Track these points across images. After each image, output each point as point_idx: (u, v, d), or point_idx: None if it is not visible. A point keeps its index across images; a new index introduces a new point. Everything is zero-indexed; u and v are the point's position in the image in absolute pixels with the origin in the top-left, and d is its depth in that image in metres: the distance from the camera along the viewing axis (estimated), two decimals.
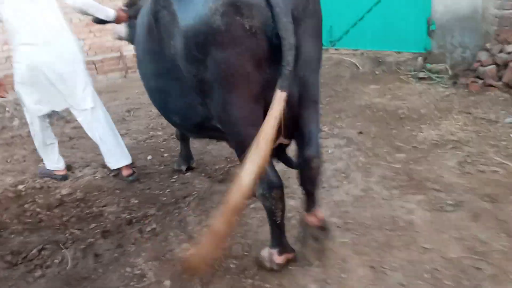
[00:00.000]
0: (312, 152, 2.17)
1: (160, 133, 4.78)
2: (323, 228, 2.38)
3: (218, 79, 1.97)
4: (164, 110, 2.70)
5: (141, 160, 4.05)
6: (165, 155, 4.17)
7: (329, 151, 3.81)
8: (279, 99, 1.86)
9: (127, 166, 3.65)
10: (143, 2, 3.21)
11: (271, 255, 2.34)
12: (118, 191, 3.45)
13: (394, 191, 3.08)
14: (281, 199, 2.18)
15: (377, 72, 6.19)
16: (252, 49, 1.90)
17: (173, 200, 3.22)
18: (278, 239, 2.33)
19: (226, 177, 3.50)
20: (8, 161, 4.33)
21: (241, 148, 2.02)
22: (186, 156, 3.74)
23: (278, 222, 2.24)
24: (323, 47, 2.80)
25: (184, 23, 1.98)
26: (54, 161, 3.76)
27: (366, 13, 6.87)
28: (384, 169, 3.40)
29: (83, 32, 7.57)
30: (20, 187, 3.63)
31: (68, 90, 3.44)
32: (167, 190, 3.39)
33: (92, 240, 2.81)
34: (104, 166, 3.87)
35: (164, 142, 4.50)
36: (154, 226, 2.91)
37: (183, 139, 3.70)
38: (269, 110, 1.88)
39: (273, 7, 1.82)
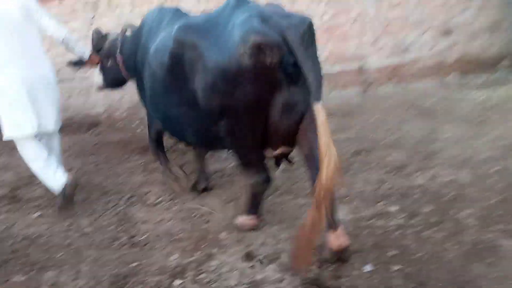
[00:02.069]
0: None
1: (394, 207, 3.10)
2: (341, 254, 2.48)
3: (241, 105, 2.42)
4: (181, 133, 3.18)
5: (355, 269, 2.47)
6: (397, 266, 2.46)
7: None
8: (318, 109, 2.25)
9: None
10: (110, 44, 3.81)
11: (246, 220, 3.01)
12: None
13: None
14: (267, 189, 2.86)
15: None
16: (271, 79, 2.35)
17: None
18: (254, 208, 2.97)
19: None
20: (194, 215, 3.39)
21: (249, 158, 2.72)
22: (205, 174, 3.83)
23: (258, 200, 2.94)
24: None
25: (214, 63, 2.41)
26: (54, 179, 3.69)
27: None
28: None
29: (323, 37, 6.36)
30: (176, 284, 2.54)
31: (42, 111, 3.60)
32: None
33: None
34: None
35: (399, 231, 2.81)
36: None
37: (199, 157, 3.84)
38: (316, 120, 2.25)
39: (291, 44, 2.27)
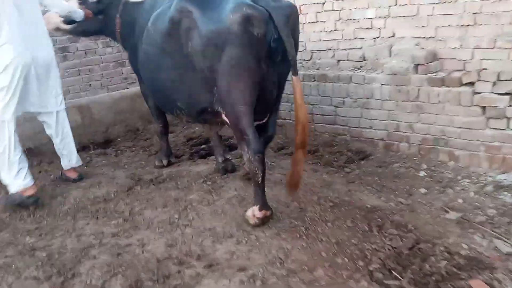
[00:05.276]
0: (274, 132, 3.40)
1: None
2: None
3: (227, 70, 2.80)
4: (171, 98, 3.41)
5: None
6: None
7: None
8: (296, 81, 2.84)
9: (75, 169, 4.13)
10: (106, 2, 4.17)
11: (253, 211, 3.06)
12: None
13: None
14: (262, 162, 2.93)
15: None
16: (256, 49, 2.75)
17: None
18: (259, 197, 3.05)
19: None
20: None
21: (239, 123, 2.91)
22: (167, 151, 4.47)
23: (260, 182, 2.99)
24: None
25: (207, 28, 2.82)
26: (21, 178, 3.59)
27: None
28: None
29: None
30: None
31: (41, 90, 3.73)
32: None
33: None
34: None
35: None
36: None
37: (164, 135, 4.46)
38: (294, 90, 2.86)
39: (277, 23, 2.73)
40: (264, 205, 3.04)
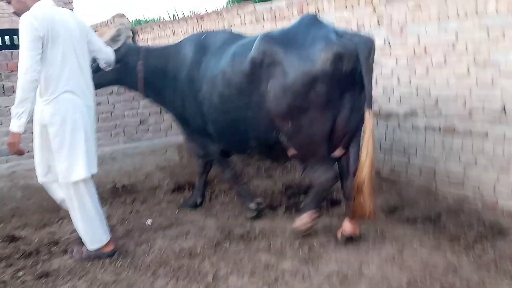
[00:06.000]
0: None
1: None
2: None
3: (313, 105, 3.01)
4: (242, 137, 3.55)
5: None
6: None
7: None
8: (368, 116, 2.96)
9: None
10: (124, 50, 3.91)
11: (301, 219, 3.36)
12: None
13: None
14: (333, 172, 3.27)
15: None
16: (343, 83, 2.98)
17: None
18: (315, 203, 3.36)
19: None
20: None
21: (319, 149, 3.18)
22: (250, 196, 4.08)
23: (324, 193, 3.39)
24: None
25: (296, 68, 2.99)
26: (100, 236, 3.33)
27: None
28: None
29: None
30: None
31: (92, 146, 3.30)
32: None
33: None
34: None
35: None
36: None
37: (238, 179, 4.23)
38: (365, 124, 3.00)
39: (360, 57, 2.90)
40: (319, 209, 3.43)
